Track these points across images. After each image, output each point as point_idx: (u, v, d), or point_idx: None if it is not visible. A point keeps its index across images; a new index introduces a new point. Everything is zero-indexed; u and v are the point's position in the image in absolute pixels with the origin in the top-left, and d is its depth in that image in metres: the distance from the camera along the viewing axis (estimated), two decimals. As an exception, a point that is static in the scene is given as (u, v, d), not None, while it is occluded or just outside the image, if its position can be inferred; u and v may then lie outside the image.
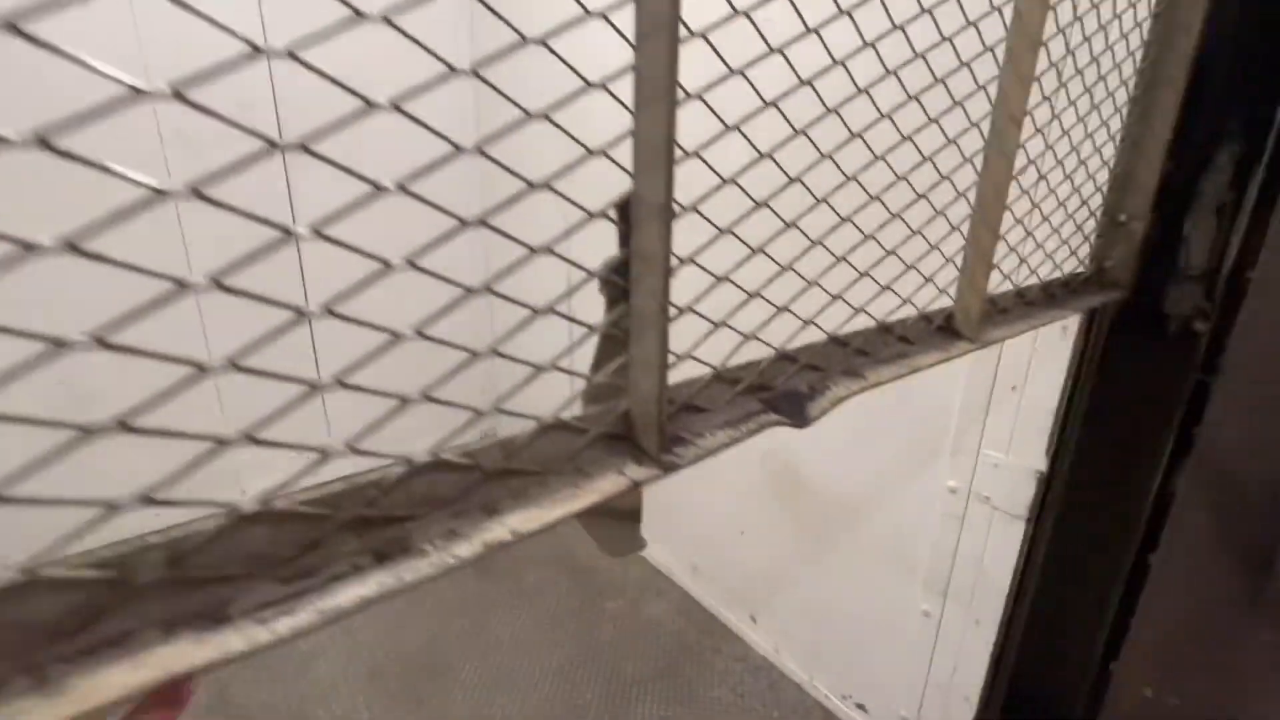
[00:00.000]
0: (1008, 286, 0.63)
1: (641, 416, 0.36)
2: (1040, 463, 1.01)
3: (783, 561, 1.55)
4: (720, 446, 0.39)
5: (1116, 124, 0.71)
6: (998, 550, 1.09)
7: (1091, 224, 0.75)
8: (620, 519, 0.43)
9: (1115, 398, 0.98)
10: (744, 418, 0.41)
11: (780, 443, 1.49)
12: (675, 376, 0.39)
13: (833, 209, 0.46)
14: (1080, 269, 0.76)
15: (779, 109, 0.39)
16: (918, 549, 1.23)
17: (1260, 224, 0.75)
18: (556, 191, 0.31)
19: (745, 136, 0.38)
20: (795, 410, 0.44)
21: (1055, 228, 0.69)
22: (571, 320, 0.34)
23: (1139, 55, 0.69)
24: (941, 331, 0.56)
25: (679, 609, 1.82)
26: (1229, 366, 0.79)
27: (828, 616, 1.46)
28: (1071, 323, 0.94)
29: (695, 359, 0.39)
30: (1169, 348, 0.90)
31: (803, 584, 1.51)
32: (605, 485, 0.34)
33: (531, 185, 0.30)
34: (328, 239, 0.25)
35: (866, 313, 0.51)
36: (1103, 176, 0.73)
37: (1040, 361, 0.98)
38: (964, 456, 1.11)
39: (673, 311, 0.36)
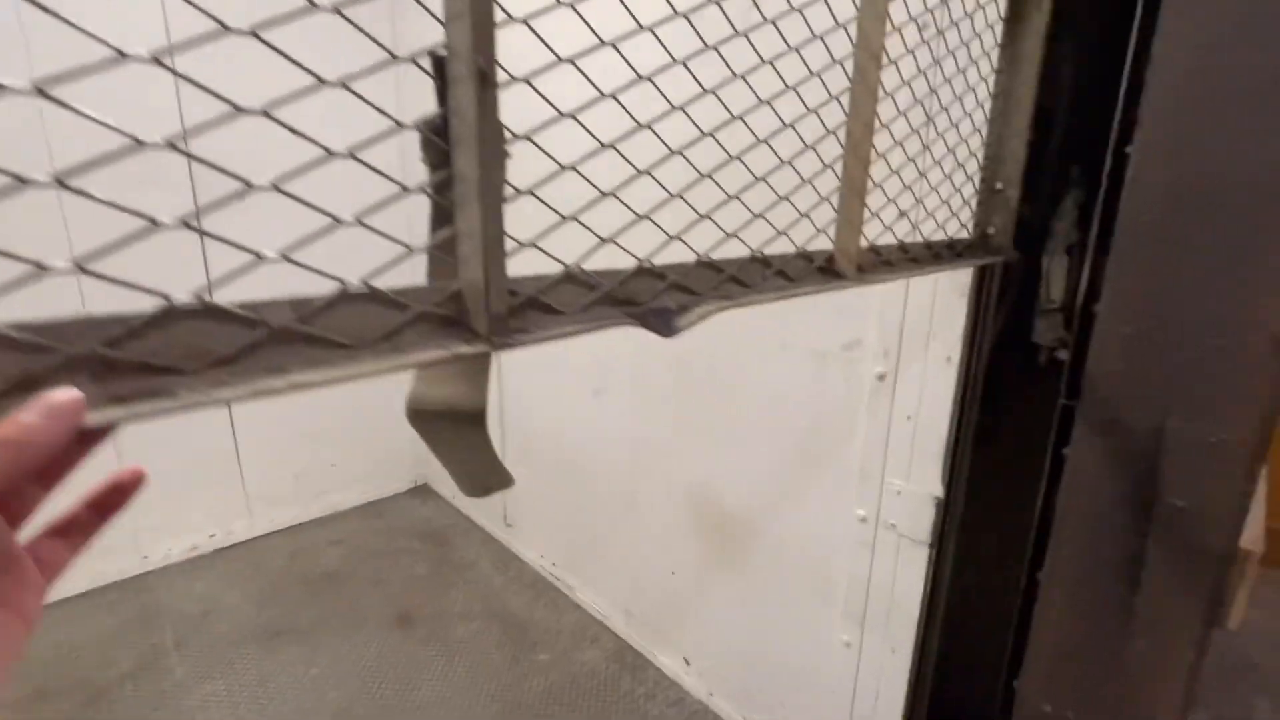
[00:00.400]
0: (892, 241, 0.64)
1: (472, 297, 0.33)
2: (937, 489, 1.05)
3: (713, 600, 1.54)
4: (564, 335, 0.36)
5: (984, 93, 0.76)
6: (906, 577, 1.11)
7: (970, 190, 0.78)
8: (466, 432, 0.37)
9: (998, 424, 1.04)
10: (599, 319, 0.38)
11: (704, 479, 1.50)
12: (525, 270, 0.36)
13: (690, 119, 0.45)
14: (963, 234, 0.79)
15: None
16: (835, 580, 1.24)
17: (1100, 261, 0.83)
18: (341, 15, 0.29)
19: (584, 20, 0.37)
20: (662, 324, 0.42)
21: (933, 186, 0.71)
22: (375, 172, 0.31)
23: (999, 30, 0.74)
24: (822, 272, 0.55)
25: (613, 655, 1.76)
26: (1086, 391, 0.86)
27: (757, 654, 1.45)
28: (955, 351, 1.00)
29: (540, 249, 0.37)
30: (1039, 376, 0.97)
31: (733, 622, 1.50)
32: (423, 355, 0.31)
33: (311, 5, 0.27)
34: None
35: (740, 240, 0.49)
36: (976, 144, 0.78)
37: (931, 390, 1.04)
38: (870, 486, 1.15)
39: (510, 193, 0.33)
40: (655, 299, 0.43)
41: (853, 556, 1.19)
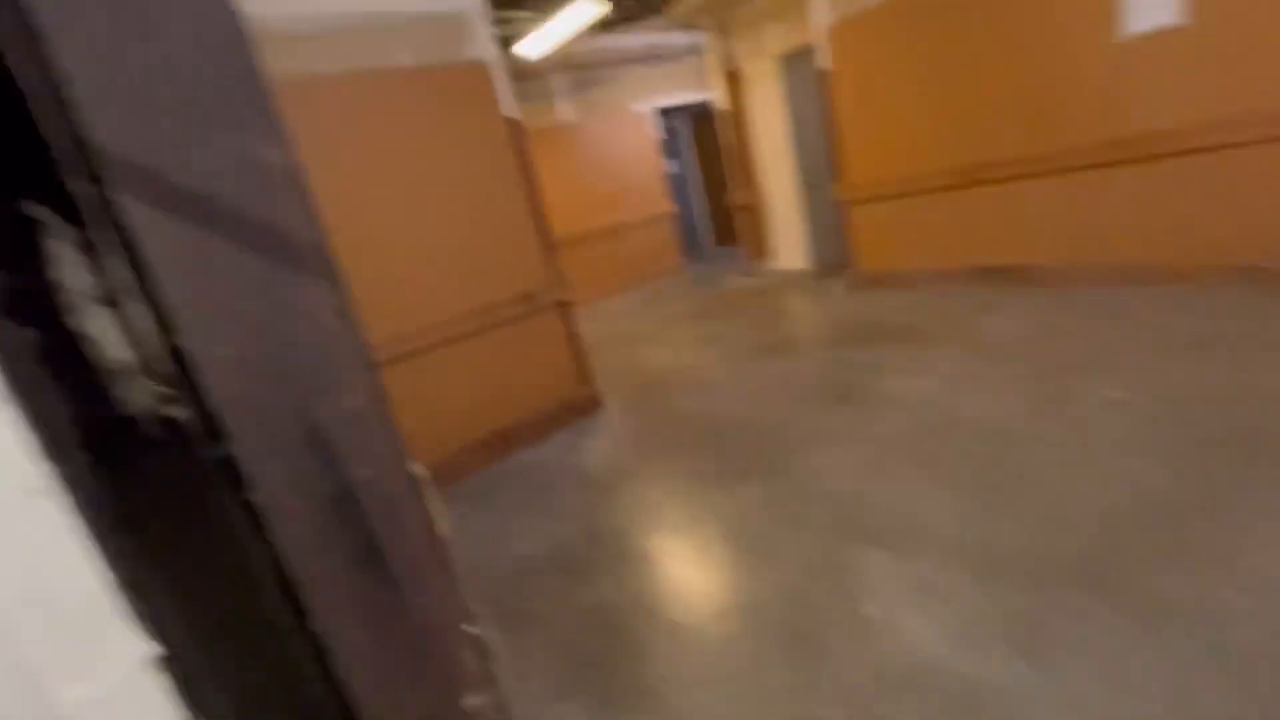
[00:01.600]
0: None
1: None
2: (146, 647, 0.75)
3: None
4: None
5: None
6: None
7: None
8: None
9: (164, 530, 0.82)
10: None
11: None
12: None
13: None
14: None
15: None
16: None
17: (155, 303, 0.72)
18: None
19: None
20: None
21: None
22: None
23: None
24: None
25: None
26: (229, 431, 0.77)
27: None
28: (44, 485, 0.69)
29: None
30: (159, 448, 0.80)
31: None
32: None
33: None
34: None
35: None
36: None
37: (42, 549, 0.69)
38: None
39: None
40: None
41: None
